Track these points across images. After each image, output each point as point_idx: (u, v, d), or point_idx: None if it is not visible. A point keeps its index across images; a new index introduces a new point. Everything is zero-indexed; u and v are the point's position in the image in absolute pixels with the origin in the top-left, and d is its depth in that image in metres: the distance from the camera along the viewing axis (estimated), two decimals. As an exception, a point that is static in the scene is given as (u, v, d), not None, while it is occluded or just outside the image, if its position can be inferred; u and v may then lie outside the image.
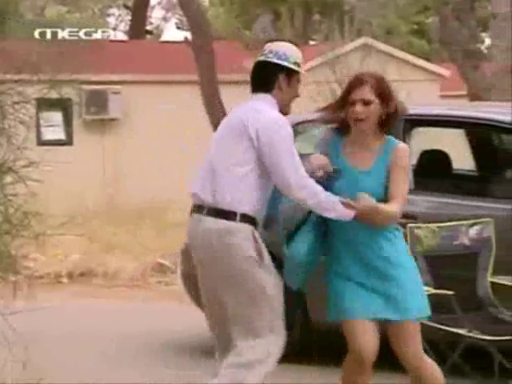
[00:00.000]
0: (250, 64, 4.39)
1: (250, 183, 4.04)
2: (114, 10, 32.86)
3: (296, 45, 4.24)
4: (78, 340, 7.14)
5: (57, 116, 16.56)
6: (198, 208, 4.10)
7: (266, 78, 4.14)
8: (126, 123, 17.28)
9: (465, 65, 12.22)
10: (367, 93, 3.94)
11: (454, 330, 4.80)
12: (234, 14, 28.62)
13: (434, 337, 4.21)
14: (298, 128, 5.31)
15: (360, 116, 3.97)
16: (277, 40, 4.26)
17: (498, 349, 4.86)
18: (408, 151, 4.04)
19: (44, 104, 11.96)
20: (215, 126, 13.40)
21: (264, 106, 4.13)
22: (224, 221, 4.01)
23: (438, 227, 5.05)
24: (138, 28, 26.42)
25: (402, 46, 20.81)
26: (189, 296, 6.66)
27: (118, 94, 17.06)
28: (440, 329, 4.68)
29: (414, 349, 4.01)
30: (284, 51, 4.16)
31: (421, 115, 5.87)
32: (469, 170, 7.21)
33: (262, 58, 4.18)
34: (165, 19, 34.64)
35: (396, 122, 4.03)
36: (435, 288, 4.32)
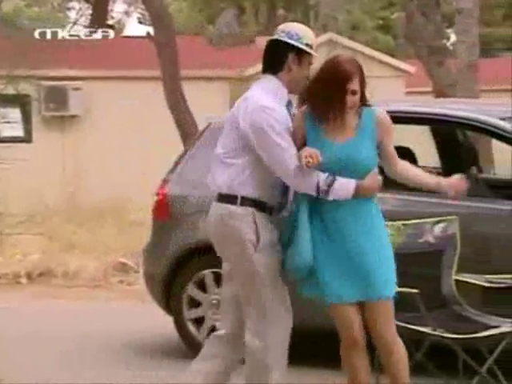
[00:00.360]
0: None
1: (249, 170, 4.12)
2: (75, 4, 32.50)
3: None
4: (38, 341, 7.03)
5: (15, 112, 16.37)
6: (215, 196, 4.24)
7: (276, 57, 4.17)
8: (87, 120, 17.10)
9: (430, 61, 12.21)
10: (356, 84, 4.10)
11: (419, 328, 4.77)
12: (197, 8, 28.53)
13: (398, 335, 4.20)
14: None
15: (353, 104, 4.12)
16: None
17: (462, 347, 4.84)
18: (387, 114, 4.26)
19: (1, 100, 11.79)
20: (178, 122, 13.29)
21: (255, 92, 4.16)
22: (227, 205, 4.15)
23: (404, 225, 5.02)
24: (99, 22, 26.13)
25: (367, 42, 20.86)
26: (151, 296, 6.60)
27: (79, 90, 16.87)
28: (404, 327, 4.64)
29: (390, 332, 4.12)
30: (296, 31, 4.18)
31: (386, 112, 5.82)
32: (434, 167, 7.19)
33: (274, 37, 4.20)
34: (127, 13, 34.40)
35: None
36: (400, 286, 4.28)
